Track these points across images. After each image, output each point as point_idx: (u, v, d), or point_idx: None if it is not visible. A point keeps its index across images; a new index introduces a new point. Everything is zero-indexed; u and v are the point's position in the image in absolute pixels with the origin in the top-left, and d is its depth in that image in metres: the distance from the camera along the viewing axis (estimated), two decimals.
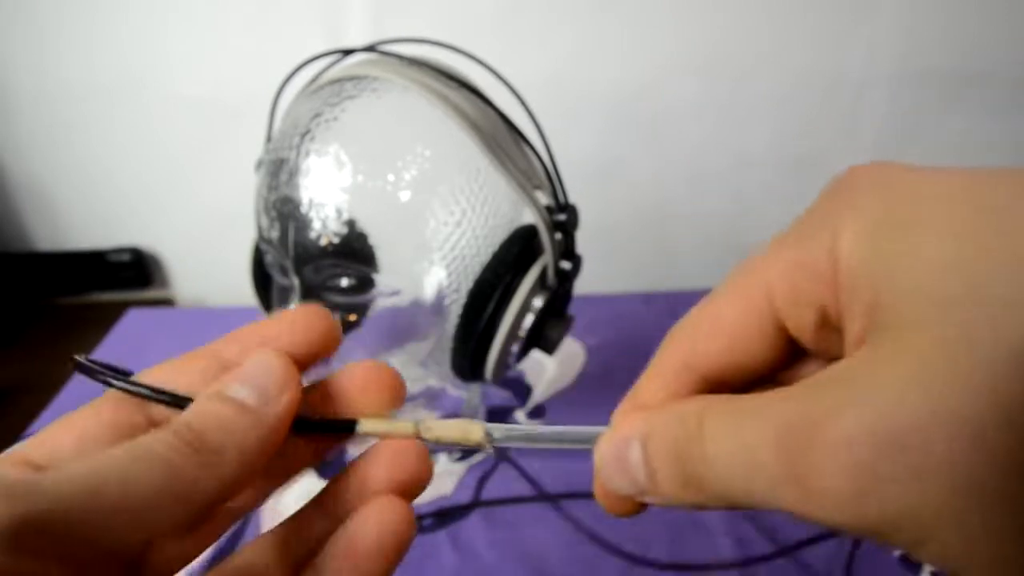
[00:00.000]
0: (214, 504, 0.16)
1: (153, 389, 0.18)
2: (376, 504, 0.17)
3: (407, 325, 0.42)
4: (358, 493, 0.18)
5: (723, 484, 0.14)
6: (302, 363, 0.19)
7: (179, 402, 0.17)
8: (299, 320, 0.20)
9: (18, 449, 0.16)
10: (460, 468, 0.51)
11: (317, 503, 0.19)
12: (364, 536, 0.17)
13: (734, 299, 0.16)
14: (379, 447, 0.18)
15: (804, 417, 0.13)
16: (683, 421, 0.15)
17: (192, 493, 0.15)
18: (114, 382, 0.18)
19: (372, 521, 0.17)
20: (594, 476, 0.18)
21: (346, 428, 0.19)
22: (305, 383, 0.19)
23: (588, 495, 0.48)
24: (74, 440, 0.17)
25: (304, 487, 0.51)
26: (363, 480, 0.18)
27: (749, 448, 0.13)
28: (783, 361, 0.16)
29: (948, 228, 0.13)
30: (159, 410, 0.18)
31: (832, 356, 0.15)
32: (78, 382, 0.62)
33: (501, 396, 0.58)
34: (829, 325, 0.15)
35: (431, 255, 0.40)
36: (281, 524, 0.19)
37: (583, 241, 0.44)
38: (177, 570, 0.18)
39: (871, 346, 0.13)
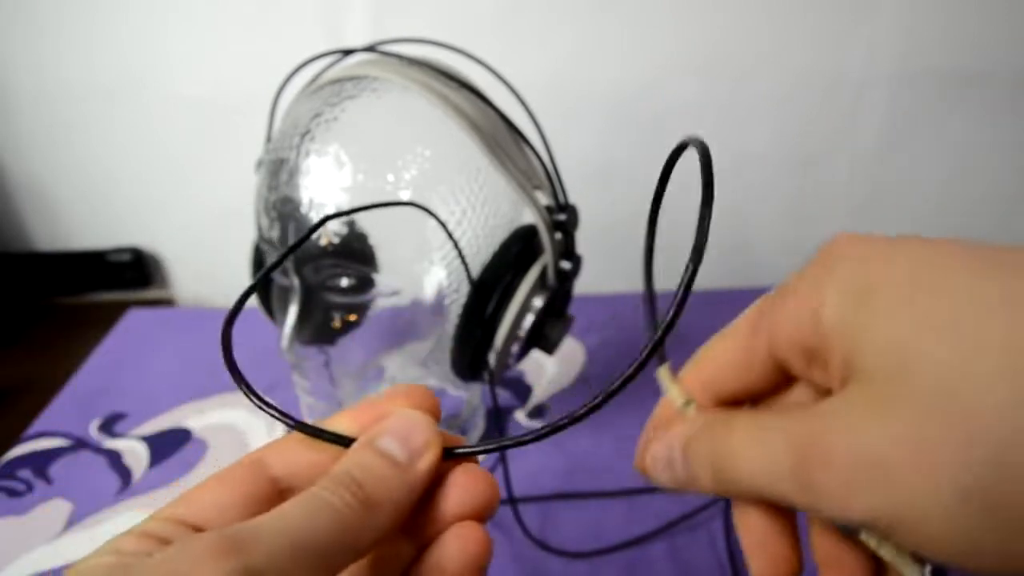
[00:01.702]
0: (365, 552, 0.17)
1: (322, 430, 0.20)
2: (458, 530, 0.19)
3: (407, 325, 0.42)
4: (439, 519, 0.19)
5: (748, 484, 0.18)
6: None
7: (344, 441, 0.19)
8: (405, 397, 0.21)
9: (168, 511, 0.18)
10: None
11: (401, 529, 0.19)
12: (450, 560, 0.19)
13: (744, 339, 0.21)
14: (455, 473, 0.20)
15: (808, 438, 0.17)
16: (715, 435, 0.19)
17: (357, 541, 0.17)
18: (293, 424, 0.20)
19: (456, 547, 0.19)
20: (639, 454, 0.22)
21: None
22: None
23: (588, 495, 0.48)
24: (214, 504, 0.18)
25: None
26: (442, 507, 0.19)
27: (770, 459, 0.17)
28: (779, 384, 0.21)
29: (905, 295, 0.16)
30: (282, 474, 0.20)
31: (817, 383, 0.19)
32: (78, 382, 0.62)
33: (501, 396, 0.58)
34: (816, 364, 0.19)
35: (431, 255, 0.40)
36: None
37: (583, 241, 0.44)
38: None
39: (850, 388, 0.17)
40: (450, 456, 0.20)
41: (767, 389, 0.21)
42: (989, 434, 0.14)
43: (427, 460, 0.19)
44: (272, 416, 0.20)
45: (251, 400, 0.20)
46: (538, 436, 0.19)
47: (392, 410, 0.20)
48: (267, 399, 0.20)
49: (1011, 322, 0.15)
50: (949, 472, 0.14)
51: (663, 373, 0.22)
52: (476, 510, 0.19)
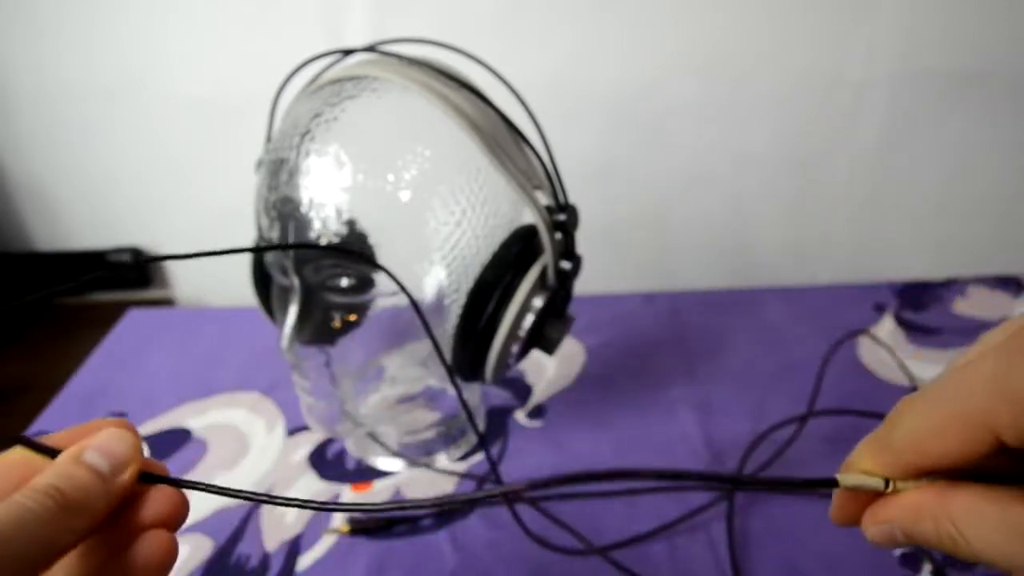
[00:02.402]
0: (66, 551, 0.20)
1: (36, 443, 0.21)
2: (151, 534, 0.22)
3: (407, 325, 0.42)
4: (135, 527, 0.22)
5: (979, 559, 0.19)
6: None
7: (52, 454, 0.21)
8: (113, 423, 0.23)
9: None
10: (460, 468, 0.51)
11: (96, 540, 0.22)
12: (141, 556, 0.22)
13: (959, 419, 0.19)
14: (151, 491, 0.22)
15: None
16: (937, 520, 0.19)
17: (54, 542, 0.19)
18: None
19: (146, 546, 0.22)
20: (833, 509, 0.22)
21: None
22: None
23: (587, 495, 0.48)
24: None
25: (303, 486, 0.50)
26: (139, 516, 0.22)
27: (999, 544, 0.18)
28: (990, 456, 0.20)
29: None
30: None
31: None
32: (78, 382, 0.62)
33: (501, 396, 0.58)
34: None
35: (431, 255, 0.40)
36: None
37: (583, 241, 0.44)
38: None
39: None
40: (147, 480, 0.22)
41: (977, 462, 0.20)
42: None
43: (127, 475, 0.21)
44: None
45: None
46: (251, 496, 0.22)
47: (101, 426, 0.22)
48: None
49: None
50: None
51: (849, 480, 0.21)
52: (167, 519, 0.22)
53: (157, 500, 0.22)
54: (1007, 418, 0.18)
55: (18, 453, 0.22)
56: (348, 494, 0.49)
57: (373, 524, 0.46)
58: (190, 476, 0.51)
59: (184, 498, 0.23)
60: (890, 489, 0.20)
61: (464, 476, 0.50)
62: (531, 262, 0.41)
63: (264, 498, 0.23)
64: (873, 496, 0.21)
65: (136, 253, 0.79)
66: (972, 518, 0.19)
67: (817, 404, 0.54)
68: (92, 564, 0.21)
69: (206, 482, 0.22)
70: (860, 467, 0.21)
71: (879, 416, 0.23)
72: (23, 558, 0.18)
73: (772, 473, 0.48)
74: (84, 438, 0.22)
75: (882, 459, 0.21)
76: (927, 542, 0.20)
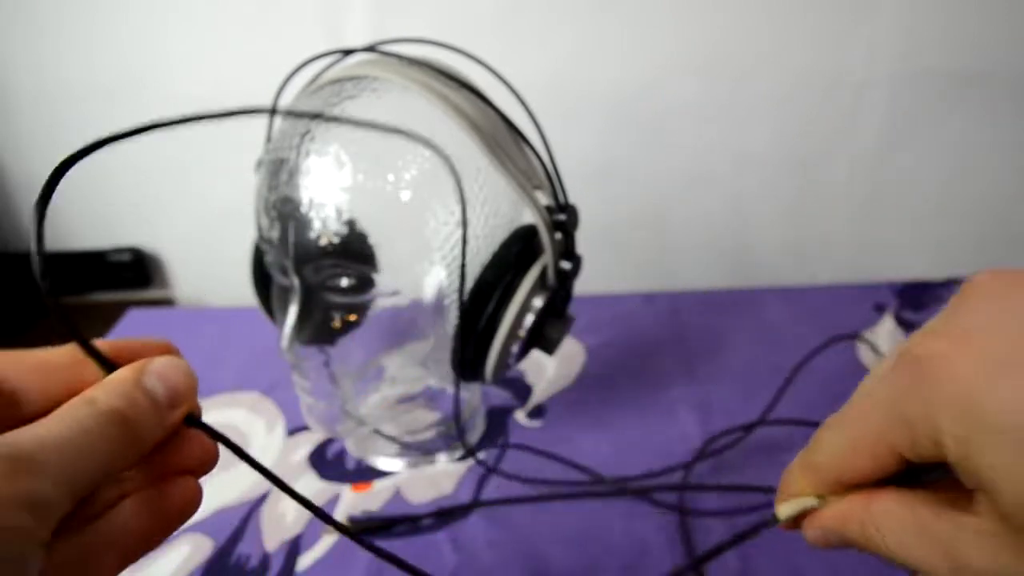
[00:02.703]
0: (121, 472, 0.20)
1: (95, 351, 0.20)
2: (185, 480, 0.22)
3: (407, 325, 0.42)
4: (167, 466, 0.22)
5: (904, 565, 0.21)
6: None
7: (109, 368, 0.20)
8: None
9: None
10: (460, 468, 0.51)
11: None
12: (174, 499, 0.21)
13: (865, 445, 0.21)
14: (191, 436, 0.22)
15: (956, 554, 0.19)
16: (863, 524, 0.22)
17: (110, 469, 0.19)
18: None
19: (179, 490, 0.22)
20: (776, 504, 0.25)
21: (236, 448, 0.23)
22: None
23: (585, 496, 0.48)
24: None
25: (303, 486, 0.50)
26: (174, 457, 0.22)
27: (931, 558, 0.20)
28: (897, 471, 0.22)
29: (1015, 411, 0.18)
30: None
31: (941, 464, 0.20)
32: None
33: (501, 396, 0.58)
34: (938, 457, 0.20)
35: (431, 255, 0.40)
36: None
37: (583, 241, 0.44)
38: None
39: (983, 512, 0.19)
40: (191, 424, 0.21)
41: (893, 472, 0.22)
42: None
43: (181, 412, 0.21)
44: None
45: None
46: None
47: (153, 347, 0.22)
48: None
49: None
50: None
51: (785, 508, 0.24)
52: (199, 467, 0.22)
53: (194, 446, 0.22)
54: (903, 440, 0.20)
55: (66, 352, 0.21)
56: (348, 494, 0.49)
57: (373, 524, 0.46)
58: None
59: (217, 450, 0.22)
60: (822, 504, 0.23)
61: (464, 476, 0.50)
62: (531, 262, 0.41)
63: (281, 483, 0.23)
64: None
65: (136, 253, 0.79)
66: (889, 520, 0.21)
67: (818, 405, 0.53)
68: (123, 492, 0.21)
69: (244, 453, 0.22)
70: (794, 487, 0.24)
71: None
72: (81, 482, 0.17)
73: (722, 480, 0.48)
74: (138, 355, 0.21)
75: (810, 479, 0.23)
76: (855, 543, 0.22)
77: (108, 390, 0.19)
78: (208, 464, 0.22)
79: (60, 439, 0.17)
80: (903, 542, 0.20)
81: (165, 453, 0.21)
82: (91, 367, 0.20)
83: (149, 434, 0.20)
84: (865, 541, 0.22)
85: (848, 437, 0.22)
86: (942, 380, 0.19)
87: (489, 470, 0.50)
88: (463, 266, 0.39)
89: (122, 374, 0.20)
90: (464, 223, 0.39)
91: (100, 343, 0.20)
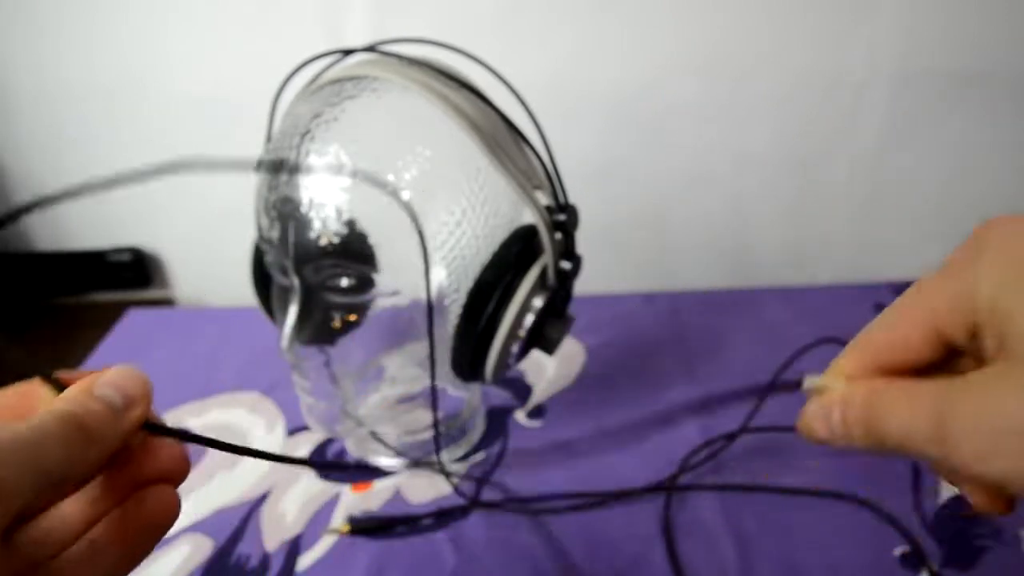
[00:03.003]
0: (78, 485, 0.20)
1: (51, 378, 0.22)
2: (159, 488, 0.22)
3: (407, 325, 0.42)
4: (135, 478, 0.22)
5: (894, 441, 0.20)
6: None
7: (60, 388, 0.21)
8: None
9: None
10: (460, 468, 0.51)
11: (101, 487, 0.22)
12: (150, 508, 0.22)
13: (908, 318, 0.22)
14: (157, 444, 0.23)
15: (949, 403, 0.19)
16: (870, 395, 0.21)
17: (72, 465, 0.19)
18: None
19: (154, 500, 0.22)
20: (800, 417, 0.24)
21: (192, 439, 0.23)
22: None
23: (587, 494, 0.48)
24: None
25: (303, 486, 0.51)
26: (142, 468, 0.22)
27: (914, 416, 0.20)
28: (943, 358, 0.22)
29: None
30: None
31: (979, 356, 0.21)
32: None
33: (501, 396, 0.58)
34: (977, 338, 0.20)
35: (431, 255, 0.40)
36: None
37: (583, 241, 0.44)
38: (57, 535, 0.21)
39: (995, 364, 0.19)
40: (153, 431, 0.22)
41: (935, 362, 0.22)
42: None
43: (137, 413, 0.21)
44: None
45: None
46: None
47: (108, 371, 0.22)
48: None
49: None
50: None
51: (810, 380, 0.24)
52: (171, 474, 0.23)
53: (161, 453, 0.22)
54: (944, 305, 0.21)
55: (11, 389, 0.22)
56: (348, 494, 0.49)
57: (373, 524, 0.46)
58: (190, 476, 0.51)
59: (185, 453, 0.23)
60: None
61: (464, 476, 0.50)
62: (531, 262, 0.41)
63: (245, 449, 0.23)
64: None
65: (136, 253, 0.79)
66: (888, 397, 0.21)
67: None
68: (98, 512, 0.21)
69: (204, 439, 0.22)
70: (836, 365, 0.24)
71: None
72: (44, 474, 0.18)
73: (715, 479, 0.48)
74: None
75: (852, 356, 0.23)
76: (856, 421, 0.22)
77: (61, 401, 0.20)
78: (179, 469, 0.23)
79: (17, 434, 0.18)
80: (901, 419, 0.20)
81: (132, 465, 0.22)
82: (44, 397, 0.21)
83: (107, 435, 0.20)
84: (866, 420, 0.21)
85: (896, 309, 0.22)
86: (987, 240, 0.20)
87: (472, 502, 0.50)
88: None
89: (72, 389, 0.21)
90: (422, 246, 0.38)
91: (62, 375, 0.22)
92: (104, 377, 0.21)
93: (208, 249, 0.79)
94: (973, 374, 0.19)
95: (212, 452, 0.53)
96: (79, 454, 0.19)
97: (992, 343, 0.19)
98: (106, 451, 0.20)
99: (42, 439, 0.18)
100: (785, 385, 0.23)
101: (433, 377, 0.42)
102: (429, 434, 0.52)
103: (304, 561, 0.45)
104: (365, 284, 0.40)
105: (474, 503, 0.48)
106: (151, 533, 0.22)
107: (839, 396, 0.22)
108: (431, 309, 0.39)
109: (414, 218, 0.35)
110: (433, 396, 0.42)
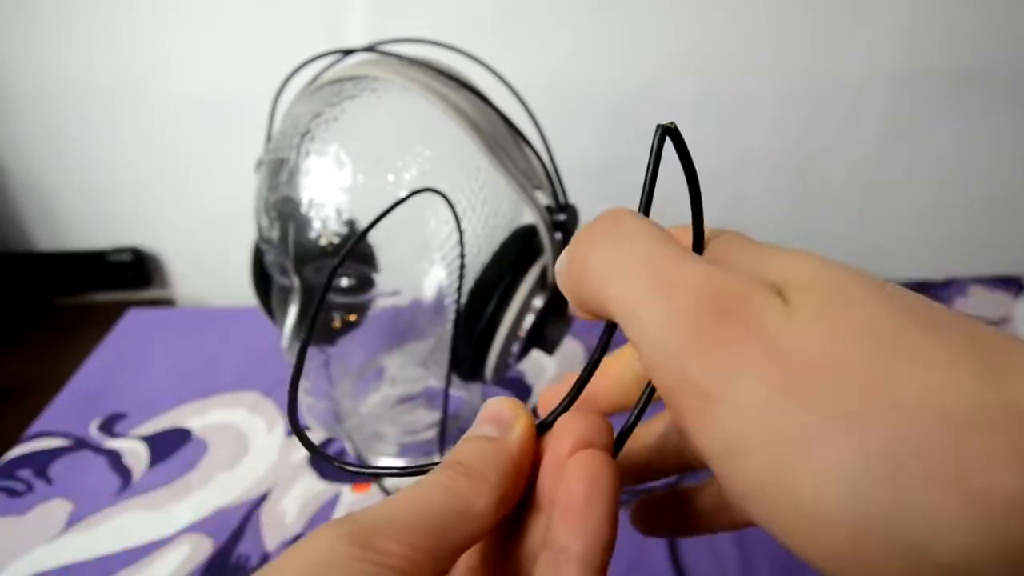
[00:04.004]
0: (494, 520, 0.19)
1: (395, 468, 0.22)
2: (576, 458, 0.19)
3: (407, 325, 0.42)
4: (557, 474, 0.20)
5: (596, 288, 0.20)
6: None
7: (421, 471, 0.21)
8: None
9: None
10: None
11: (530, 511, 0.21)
12: (574, 483, 0.19)
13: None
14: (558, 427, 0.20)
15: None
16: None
17: (468, 508, 0.19)
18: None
19: (575, 470, 0.19)
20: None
21: None
22: None
23: None
24: None
25: (303, 486, 0.51)
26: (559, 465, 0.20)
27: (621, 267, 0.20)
28: None
29: None
30: None
31: None
32: (78, 382, 0.62)
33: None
34: None
35: (431, 255, 0.40)
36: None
37: None
38: None
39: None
40: (544, 428, 0.21)
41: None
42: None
43: (518, 429, 0.20)
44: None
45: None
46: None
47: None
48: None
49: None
50: None
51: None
52: (584, 442, 0.20)
53: (570, 429, 0.20)
54: None
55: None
56: (348, 494, 0.49)
57: None
58: (190, 476, 0.51)
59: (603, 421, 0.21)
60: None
61: None
62: (531, 262, 0.41)
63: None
64: None
65: (136, 253, 0.79)
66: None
67: None
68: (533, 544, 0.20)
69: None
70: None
71: None
72: (440, 529, 0.18)
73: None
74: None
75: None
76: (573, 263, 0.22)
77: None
78: (589, 430, 0.20)
79: (390, 500, 0.18)
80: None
81: (557, 481, 0.19)
82: None
83: (497, 463, 0.20)
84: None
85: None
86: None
87: None
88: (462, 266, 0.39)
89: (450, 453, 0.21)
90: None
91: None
92: (478, 418, 0.21)
93: (208, 249, 0.79)
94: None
95: (212, 451, 0.53)
96: (472, 490, 0.19)
97: None
98: (504, 477, 0.19)
99: (429, 497, 0.19)
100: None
101: (448, 379, 0.42)
102: (429, 434, 0.52)
103: None
104: (365, 284, 0.40)
105: None
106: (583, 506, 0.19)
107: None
108: (458, 314, 0.39)
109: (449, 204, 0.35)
110: (445, 397, 0.42)
